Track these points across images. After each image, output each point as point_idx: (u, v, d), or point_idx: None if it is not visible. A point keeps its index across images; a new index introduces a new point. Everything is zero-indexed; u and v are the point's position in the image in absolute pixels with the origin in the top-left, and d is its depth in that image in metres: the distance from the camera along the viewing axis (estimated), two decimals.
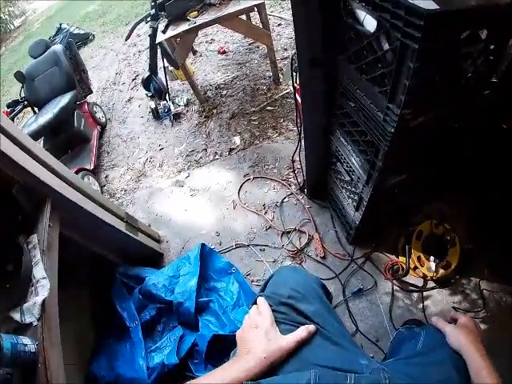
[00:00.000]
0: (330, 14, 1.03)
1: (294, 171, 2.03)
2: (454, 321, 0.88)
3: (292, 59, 1.30)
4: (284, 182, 2.05)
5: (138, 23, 2.80)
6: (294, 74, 1.34)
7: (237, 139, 2.43)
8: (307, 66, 1.20)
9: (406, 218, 1.76)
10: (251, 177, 2.14)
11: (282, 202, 1.98)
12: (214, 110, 2.75)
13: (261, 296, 0.89)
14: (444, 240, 1.65)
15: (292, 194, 2.00)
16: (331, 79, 1.22)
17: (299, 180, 1.99)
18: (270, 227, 1.89)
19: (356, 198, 1.41)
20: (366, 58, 0.96)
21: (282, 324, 0.82)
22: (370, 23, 0.89)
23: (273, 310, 0.84)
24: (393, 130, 0.94)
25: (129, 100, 3.36)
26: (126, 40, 3.27)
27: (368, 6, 0.85)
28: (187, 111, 2.90)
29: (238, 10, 2.24)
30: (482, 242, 1.72)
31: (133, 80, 3.63)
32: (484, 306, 1.59)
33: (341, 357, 0.79)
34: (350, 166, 1.35)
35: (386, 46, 0.86)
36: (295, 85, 1.36)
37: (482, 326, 1.55)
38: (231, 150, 2.37)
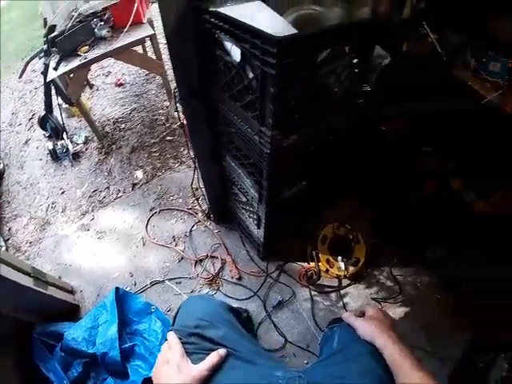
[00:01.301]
0: (201, 45, 1.07)
1: (197, 199, 2.04)
2: (363, 314, 0.94)
3: (174, 91, 1.32)
4: (190, 211, 2.05)
5: (31, 59, 2.61)
6: (178, 104, 1.36)
7: (139, 173, 2.38)
8: (188, 97, 1.23)
9: (309, 226, 1.87)
10: (157, 210, 2.09)
11: (191, 231, 1.97)
12: (114, 146, 2.65)
13: (170, 331, 0.88)
14: (348, 239, 1.80)
15: (199, 221, 2.00)
16: (211, 108, 1.27)
17: (204, 207, 2.01)
18: (182, 258, 1.87)
19: (255, 216, 1.47)
20: (236, 87, 1.01)
21: (193, 354, 0.81)
22: (236, 54, 0.94)
23: (183, 342, 0.83)
24: (268, 151, 1.00)
25: (26, 142, 3.10)
26: (20, 77, 3.03)
27: (232, 38, 0.90)
28: (86, 149, 2.75)
29: (129, 43, 2.22)
30: (385, 234, 1.92)
31: (29, 120, 3.35)
32: (400, 290, 1.77)
33: (255, 374, 0.82)
34: (244, 188, 1.40)
35: (252, 75, 0.92)
36: (180, 116, 1.38)
37: (403, 308, 1.72)
38: (134, 185, 2.30)
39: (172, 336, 0.83)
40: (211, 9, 0.93)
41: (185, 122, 1.37)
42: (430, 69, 1.41)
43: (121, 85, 3.32)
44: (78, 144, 2.79)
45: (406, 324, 1.67)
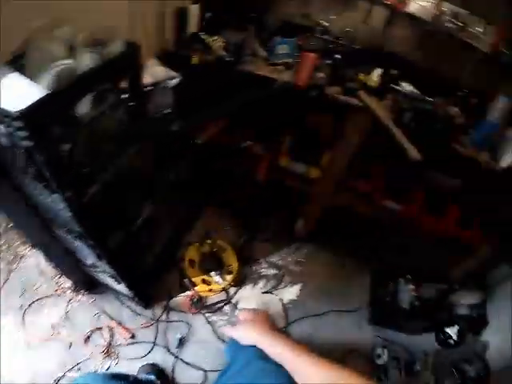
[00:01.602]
0: None
1: (59, 277, 1.89)
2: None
3: None
4: (58, 293, 1.88)
5: None
6: None
7: None
8: None
9: (171, 255, 1.89)
10: (26, 306, 1.85)
11: (66, 312, 1.80)
12: None
13: None
14: (215, 252, 1.86)
15: (71, 299, 1.84)
16: (17, 187, 1.15)
17: (68, 284, 1.87)
18: (70, 344, 1.69)
19: (108, 274, 1.41)
20: (18, 163, 0.94)
21: None
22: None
23: None
24: (70, 214, 0.98)
25: None
26: None
27: None
28: None
29: None
30: (248, 229, 2.05)
31: None
32: (284, 273, 1.92)
33: None
34: (82, 252, 1.33)
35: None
36: None
37: (296, 286, 1.88)
38: None
39: None
40: None
41: None
42: (221, 72, 1.53)
43: None
44: None
45: (306, 298, 1.82)
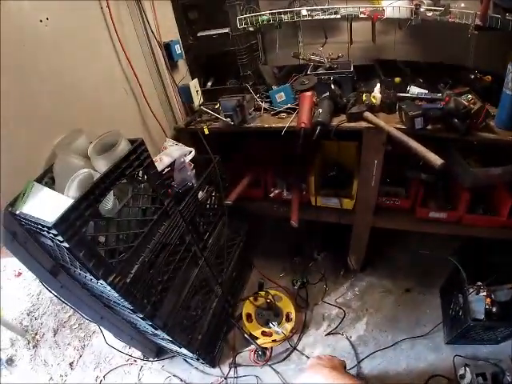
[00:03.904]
0: (35, 237, 1.22)
1: (129, 348, 2.08)
2: None
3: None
4: (130, 362, 2.08)
5: None
6: None
7: (70, 351, 2.38)
8: (51, 277, 1.35)
9: (229, 314, 1.99)
10: (101, 376, 2.10)
11: (139, 379, 1.98)
12: (37, 336, 2.64)
13: None
14: (270, 303, 1.92)
15: (142, 366, 2.02)
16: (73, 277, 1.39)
17: (138, 353, 2.05)
18: None
19: (167, 340, 1.55)
20: (67, 259, 1.16)
21: None
22: None
23: None
24: (117, 294, 1.14)
25: None
26: None
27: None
28: (16, 350, 2.69)
29: None
30: (304, 272, 2.11)
31: None
32: (344, 310, 1.91)
33: None
34: (140, 323, 1.50)
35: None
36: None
37: (361, 322, 1.87)
38: (71, 364, 2.28)
39: None
40: (17, 211, 1.10)
41: None
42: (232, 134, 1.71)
43: (20, 274, 3.37)
44: (6, 349, 2.74)
45: (372, 332, 1.81)
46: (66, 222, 0.94)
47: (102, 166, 1.12)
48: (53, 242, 1.08)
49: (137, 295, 1.21)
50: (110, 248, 1.11)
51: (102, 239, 1.12)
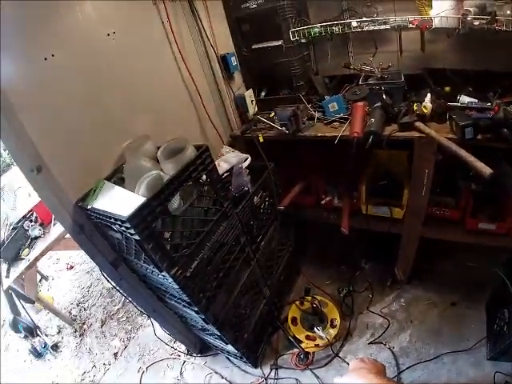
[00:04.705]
0: (102, 230, 1.35)
1: (174, 342, 2.21)
2: None
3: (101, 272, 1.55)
4: (173, 356, 2.19)
5: None
6: None
7: (116, 342, 2.53)
8: (112, 269, 1.48)
9: (275, 316, 2.05)
10: (144, 368, 2.22)
11: (181, 373, 2.09)
12: (85, 326, 2.83)
13: None
14: (316, 308, 1.97)
15: (185, 361, 2.13)
16: (133, 269, 1.52)
17: (182, 348, 2.17)
18: None
19: (216, 336, 1.65)
20: (132, 251, 1.28)
21: None
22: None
23: None
24: (177, 286, 1.25)
25: (6, 349, 3.20)
26: None
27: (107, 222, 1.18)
28: (62, 337, 2.90)
29: (60, 234, 2.51)
30: (350, 280, 2.14)
31: (2, 326, 3.51)
32: (389, 320, 1.93)
33: None
34: (191, 318, 1.63)
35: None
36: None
37: (404, 333, 1.87)
38: (115, 354, 2.43)
39: None
40: (89, 206, 1.23)
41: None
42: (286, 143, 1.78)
43: (72, 267, 3.62)
44: (53, 335, 2.95)
45: (415, 343, 1.81)
46: (138, 217, 1.05)
47: (169, 169, 1.24)
48: (122, 235, 1.20)
49: (194, 289, 1.31)
50: (174, 243, 1.22)
51: (166, 235, 1.23)
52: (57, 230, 2.54)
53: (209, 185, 1.31)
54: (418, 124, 1.49)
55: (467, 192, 1.73)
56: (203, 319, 1.46)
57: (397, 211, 1.84)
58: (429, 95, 1.58)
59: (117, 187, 1.26)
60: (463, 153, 1.35)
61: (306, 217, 2.13)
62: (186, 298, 1.32)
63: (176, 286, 1.26)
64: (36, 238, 2.60)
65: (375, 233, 1.95)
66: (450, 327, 1.83)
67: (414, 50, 1.79)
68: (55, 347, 2.84)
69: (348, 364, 1.75)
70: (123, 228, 1.09)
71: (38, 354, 2.85)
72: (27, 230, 2.59)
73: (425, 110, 1.54)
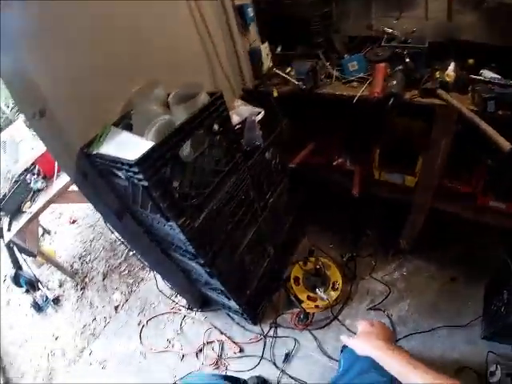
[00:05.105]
0: (106, 178, 1.32)
1: (175, 296, 2.24)
2: None
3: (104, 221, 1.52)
4: (174, 310, 2.22)
5: None
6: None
7: (117, 295, 2.56)
8: (116, 220, 1.45)
9: (278, 274, 2.05)
10: (144, 322, 2.25)
11: (181, 327, 2.12)
12: (86, 279, 2.86)
13: None
14: (319, 269, 1.96)
15: (185, 316, 2.16)
16: (138, 219, 1.49)
17: (183, 302, 2.20)
18: (183, 356, 1.98)
19: (219, 291, 1.64)
20: (138, 199, 1.24)
21: None
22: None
23: None
24: (184, 237, 1.22)
25: (8, 303, 3.26)
26: None
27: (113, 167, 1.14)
28: (64, 291, 2.94)
29: (63, 186, 2.49)
30: (354, 245, 2.14)
31: (4, 281, 3.56)
32: (390, 287, 1.93)
33: None
34: (196, 272, 1.59)
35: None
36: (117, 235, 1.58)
37: (403, 302, 1.88)
38: (116, 307, 2.47)
39: None
40: (94, 152, 1.18)
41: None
42: (301, 99, 1.70)
43: (74, 221, 3.63)
44: (54, 289, 2.99)
45: (413, 314, 1.82)
46: (147, 162, 1.00)
47: (181, 114, 1.17)
48: (129, 181, 1.15)
49: (201, 241, 1.29)
50: (183, 192, 1.17)
51: (175, 184, 1.17)
52: (59, 182, 2.52)
53: (221, 134, 1.25)
54: (440, 92, 1.42)
55: (482, 167, 1.68)
56: (208, 273, 1.44)
57: (410, 179, 1.80)
58: (453, 64, 1.51)
59: (124, 132, 1.20)
60: (484, 125, 1.29)
61: (316, 177, 2.07)
62: (193, 250, 1.30)
63: (183, 237, 1.23)
64: (38, 191, 2.57)
65: (383, 200, 1.92)
66: (447, 302, 1.83)
67: (439, 18, 1.69)
68: (56, 301, 2.88)
69: (347, 328, 1.81)
70: (130, 173, 1.04)
71: (40, 308, 2.90)
72: (29, 184, 2.55)
73: (447, 79, 1.47)
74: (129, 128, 1.26)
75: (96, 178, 1.30)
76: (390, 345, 0.89)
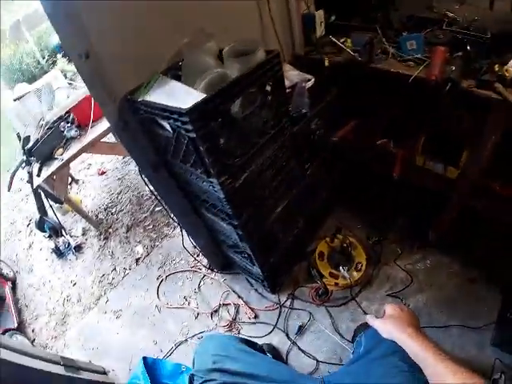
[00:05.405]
0: (145, 127, 1.31)
1: (197, 256, 2.24)
2: (384, 313, 1.00)
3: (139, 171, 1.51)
4: (194, 269, 2.24)
5: (15, 171, 2.87)
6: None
7: (139, 248, 2.59)
8: (152, 172, 1.45)
9: (303, 247, 2.04)
10: (164, 277, 2.28)
11: (199, 286, 2.15)
12: (110, 230, 2.90)
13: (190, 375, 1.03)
14: (344, 248, 1.94)
15: (205, 275, 2.18)
16: (174, 174, 1.48)
17: (204, 262, 2.21)
18: (198, 314, 2.01)
19: (245, 255, 1.64)
20: (180, 153, 1.22)
21: None
22: (170, 129, 1.16)
23: (205, 381, 0.97)
24: (224, 196, 1.20)
25: (30, 247, 3.37)
26: (8, 190, 3.33)
27: (160, 117, 1.12)
28: (86, 239, 3.00)
29: (97, 136, 2.50)
30: (382, 229, 2.08)
31: (28, 225, 3.66)
32: (412, 277, 1.88)
33: None
34: (225, 233, 1.58)
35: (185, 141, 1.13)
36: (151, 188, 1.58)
37: (422, 294, 1.83)
38: (137, 260, 2.51)
39: None
40: (140, 99, 1.16)
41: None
42: (354, 71, 1.63)
43: (103, 173, 3.67)
44: (77, 237, 3.06)
45: (430, 307, 1.78)
46: (198, 112, 0.97)
47: (235, 69, 1.14)
48: (174, 132, 1.13)
49: (238, 202, 1.26)
50: (228, 150, 1.15)
51: (221, 140, 1.15)
52: (93, 132, 2.53)
53: (272, 95, 1.21)
54: (498, 85, 1.33)
55: None
56: (239, 235, 1.43)
57: (452, 171, 1.72)
58: None
59: (174, 81, 1.17)
60: None
61: (356, 155, 2.01)
62: (229, 211, 1.28)
63: (222, 196, 1.21)
64: (71, 139, 2.60)
65: (420, 188, 1.85)
66: (464, 302, 1.77)
67: (505, 10, 1.60)
68: (78, 248, 2.95)
69: (363, 310, 1.80)
70: (179, 123, 1.01)
71: (61, 254, 2.97)
72: (63, 131, 2.58)
73: (507, 74, 1.38)
74: (177, 79, 1.22)
75: (137, 127, 1.29)
76: (419, 333, 0.86)
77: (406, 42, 1.57)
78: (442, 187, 1.76)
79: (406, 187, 1.88)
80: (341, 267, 1.84)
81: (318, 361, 1.67)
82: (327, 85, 1.60)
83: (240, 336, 1.84)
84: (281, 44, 1.72)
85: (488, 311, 1.69)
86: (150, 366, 1.77)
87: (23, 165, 2.69)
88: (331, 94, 1.60)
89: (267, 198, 1.44)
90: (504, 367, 1.51)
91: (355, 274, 1.85)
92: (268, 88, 1.20)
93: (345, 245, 1.92)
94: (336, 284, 1.85)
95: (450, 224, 1.86)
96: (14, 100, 2.96)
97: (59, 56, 7.63)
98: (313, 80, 1.47)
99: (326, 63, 1.62)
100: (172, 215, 1.67)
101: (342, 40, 1.70)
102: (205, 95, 1.01)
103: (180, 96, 1.08)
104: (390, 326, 0.92)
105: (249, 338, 1.70)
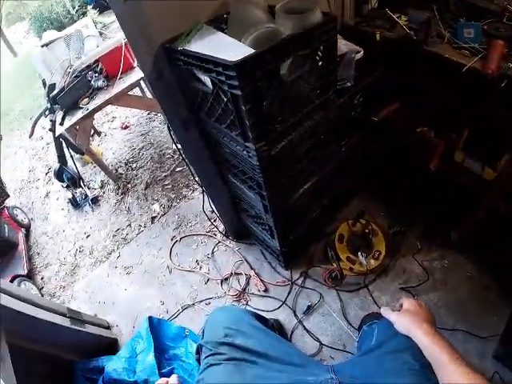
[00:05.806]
0: (180, 81, 1.24)
1: (214, 221, 2.20)
2: (401, 307, 0.96)
3: (168, 126, 1.45)
4: (209, 234, 2.21)
5: (38, 118, 2.86)
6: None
7: (156, 207, 2.57)
8: (181, 129, 1.38)
9: (325, 227, 1.98)
10: (178, 238, 2.26)
11: (213, 252, 2.12)
12: (129, 185, 2.88)
13: (199, 345, 1.00)
14: (365, 234, 1.87)
15: (219, 242, 2.15)
16: (205, 134, 1.41)
17: (221, 228, 2.16)
18: (208, 280, 1.99)
19: (266, 227, 1.59)
20: (217, 111, 1.15)
21: (225, 364, 0.91)
22: (208, 83, 1.09)
23: (213, 354, 0.93)
24: (258, 163, 1.13)
25: (46, 195, 3.40)
26: (30, 136, 3.32)
27: (201, 70, 1.04)
28: (104, 192, 3.00)
29: (124, 88, 2.44)
30: (403, 222, 2.00)
31: (46, 174, 3.69)
32: (428, 275, 1.81)
33: (285, 381, 0.90)
34: (250, 202, 1.53)
35: (225, 98, 1.05)
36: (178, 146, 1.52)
37: (435, 293, 1.77)
38: (153, 218, 2.49)
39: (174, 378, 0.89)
40: (180, 48, 1.08)
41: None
42: (405, 50, 1.52)
43: (126, 127, 3.62)
44: (95, 189, 3.05)
45: (440, 308, 1.71)
46: (246, 68, 0.89)
47: (288, 27, 1.04)
48: (215, 87, 1.04)
49: (271, 171, 1.20)
50: (270, 114, 1.07)
51: (265, 103, 1.06)
52: (121, 84, 2.47)
53: (323, 61, 1.11)
54: None
55: None
56: (264, 206, 1.37)
57: (489, 172, 1.62)
58: None
59: (219, 33, 1.08)
60: None
61: (394, 138, 1.91)
62: (260, 179, 1.21)
63: (255, 163, 1.14)
64: (98, 89, 2.54)
65: (452, 184, 1.78)
66: (475, 308, 1.70)
67: None
68: (95, 200, 2.95)
69: (374, 300, 1.75)
70: (223, 77, 0.93)
71: (77, 205, 2.98)
72: (90, 81, 2.52)
73: None
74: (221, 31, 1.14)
75: (171, 79, 1.22)
76: (436, 332, 0.83)
77: (463, 28, 1.47)
78: (477, 187, 1.68)
79: (439, 181, 1.80)
80: (360, 253, 1.79)
81: (321, 343, 1.64)
82: (376, 60, 1.48)
83: (250, 309, 1.81)
84: (331, 10, 1.60)
85: (496, 322, 1.62)
86: (155, 326, 1.76)
87: (47, 112, 2.65)
88: (379, 70, 1.49)
89: (299, 171, 1.36)
90: (502, 383, 1.46)
91: (372, 261, 1.79)
92: (319, 53, 1.10)
93: (366, 230, 1.86)
94: (351, 269, 1.80)
95: (475, 226, 1.79)
96: (42, 46, 2.88)
97: (89, 7, 7.51)
98: (362, 52, 1.37)
99: (378, 37, 1.51)
100: (195, 176, 1.61)
101: (396, 15, 1.58)
102: (254, 50, 0.92)
103: (225, 49, 1.00)
104: (406, 320, 0.89)
105: (260, 313, 1.68)
